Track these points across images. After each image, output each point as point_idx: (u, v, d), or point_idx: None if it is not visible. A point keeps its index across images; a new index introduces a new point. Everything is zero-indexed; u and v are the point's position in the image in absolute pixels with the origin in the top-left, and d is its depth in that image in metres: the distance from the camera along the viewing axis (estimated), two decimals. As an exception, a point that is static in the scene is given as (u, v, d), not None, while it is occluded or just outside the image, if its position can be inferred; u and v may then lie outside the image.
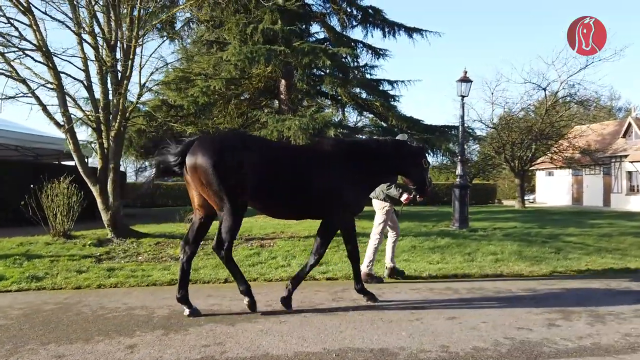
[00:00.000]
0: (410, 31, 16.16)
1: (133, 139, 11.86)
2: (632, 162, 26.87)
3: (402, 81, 16.25)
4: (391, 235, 6.23)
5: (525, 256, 7.82)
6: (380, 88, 16.40)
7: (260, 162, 4.17)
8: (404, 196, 5.69)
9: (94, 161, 11.57)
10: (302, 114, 12.14)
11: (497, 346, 3.44)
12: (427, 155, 5.44)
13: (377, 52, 16.47)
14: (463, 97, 11.52)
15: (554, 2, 75.39)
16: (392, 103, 16.40)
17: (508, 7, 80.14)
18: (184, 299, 4.28)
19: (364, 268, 5.73)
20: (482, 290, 5.35)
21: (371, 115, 16.12)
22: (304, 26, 14.89)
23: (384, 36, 16.28)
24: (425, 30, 16.11)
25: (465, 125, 15.82)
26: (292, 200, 4.43)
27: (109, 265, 6.90)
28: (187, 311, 4.26)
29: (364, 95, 16.19)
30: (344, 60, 13.98)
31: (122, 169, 31.60)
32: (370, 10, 15.92)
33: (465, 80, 11.47)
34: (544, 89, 20.23)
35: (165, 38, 9.92)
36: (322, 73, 14.45)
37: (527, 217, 15.05)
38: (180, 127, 12.82)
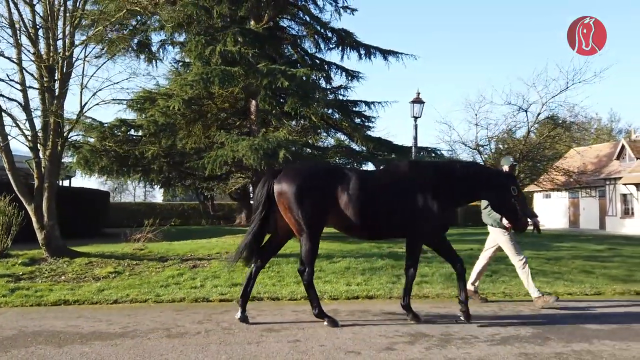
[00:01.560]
0: (385, 54, 16.25)
1: (89, 159, 11.97)
2: (625, 184, 26.35)
3: (379, 102, 16.28)
4: (484, 258, 6.22)
5: (453, 278, 7.58)
6: (356, 109, 16.49)
7: (341, 189, 4.59)
8: (505, 220, 5.45)
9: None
10: (261, 134, 12.20)
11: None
12: (514, 181, 5.23)
13: (351, 75, 16.58)
14: (416, 118, 11.47)
15: (536, 22, 75.60)
16: (364, 124, 16.45)
17: (488, 27, 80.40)
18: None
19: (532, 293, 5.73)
20: (365, 313, 5.20)
21: (338, 136, 16.14)
22: (273, 48, 15.10)
23: (360, 58, 16.38)
24: (401, 53, 16.19)
25: (435, 147, 15.78)
26: (373, 223, 4.72)
27: (20, 284, 6.88)
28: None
29: (335, 116, 16.25)
30: (313, 81, 14.12)
31: (105, 189, 31.69)
32: (342, 33, 16.11)
33: (418, 101, 11.44)
34: (525, 111, 20.12)
35: (107, 59, 10.01)
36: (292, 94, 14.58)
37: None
38: (140, 148, 13.08)
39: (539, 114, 20.31)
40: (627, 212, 27.09)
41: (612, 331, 4.43)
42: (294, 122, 16.83)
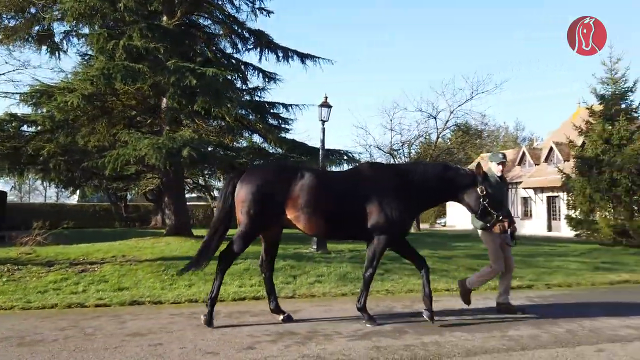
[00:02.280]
0: (302, 57, 16.38)
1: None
2: (525, 188, 28.59)
3: (297, 105, 16.39)
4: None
5: (348, 278, 7.89)
6: (274, 111, 16.50)
7: (297, 189, 4.64)
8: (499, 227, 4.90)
9: None
10: (165, 133, 11.85)
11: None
12: (488, 181, 4.93)
13: (269, 76, 16.58)
14: (324, 121, 11.71)
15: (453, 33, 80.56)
16: (280, 125, 16.51)
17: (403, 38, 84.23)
18: (276, 309, 4.97)
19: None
20: (244, 313, 5.22)
21: (254, 137, 16.09)
22: (188, 46, 14.74)
23: (278, 60, 16.38)
24: (318, 57, 16.39)
25: (347, 150, 16.15)
26: (328, 222, 4.72)
27: None
28: (280, 317, 4.87)
29: (250, 117, 16.15)
30: (226, 80, 13.92)
31: (3, 189, 29.38)
32: (259, 34, 16.07)
33: (326, 105, 11.69)
34: (435, 118, 21.29)
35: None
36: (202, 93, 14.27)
37: (402, 239, 15.37)
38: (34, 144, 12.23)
39: (447, 121, 21.54)
40: (527, 214, 29.44)
41: (465, 323, 4.78)
42: (214, 123, 16.54)
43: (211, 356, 3.65)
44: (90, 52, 15.70)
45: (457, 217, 36.35)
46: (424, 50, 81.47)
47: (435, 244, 13.94)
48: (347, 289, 6.93)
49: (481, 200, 4.81)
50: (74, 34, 15.37)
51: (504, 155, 5.76)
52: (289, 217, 4.71)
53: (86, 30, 14.73)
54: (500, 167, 5.53)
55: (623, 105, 15.23)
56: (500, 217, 4.82)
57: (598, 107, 15.66)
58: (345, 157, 15.62)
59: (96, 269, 8.39)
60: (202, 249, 4.87)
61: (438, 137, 21.84)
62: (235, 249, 4.76)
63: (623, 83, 15.26)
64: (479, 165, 4.96)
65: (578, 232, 15.97)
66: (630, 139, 14.64)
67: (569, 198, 16.60)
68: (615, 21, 69.18)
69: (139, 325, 4.66)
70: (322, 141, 11.89)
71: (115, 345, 3.92)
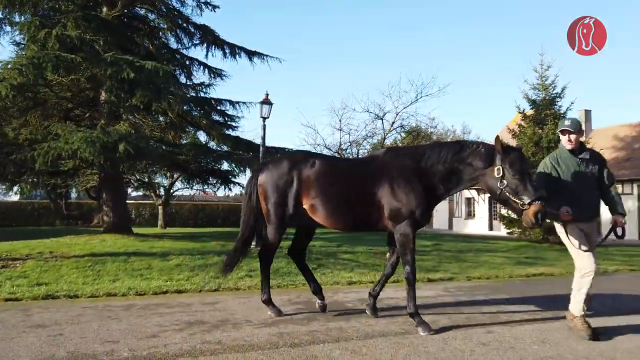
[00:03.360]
0: (250, 54, 16.36)
1: None
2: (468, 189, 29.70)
3: (244, 102, 16.35)
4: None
5: (279, 273, 7.95)
6: (220, 107, 16.36)
7: (315, 179, 4.51)
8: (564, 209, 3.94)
9: None
10: (99, 126, 11.53)
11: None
12: (510, 158, 3.99)
13: (215, 72, 16.46)
14: (264, 118, 11.75)
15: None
16: (226, 122, 16.43)
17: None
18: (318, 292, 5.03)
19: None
20: (159, 306, 5.17)
21: (195, 133, 15.92)
22: (128, 39, 14.39)
23: (225, 57, 16.32)
24: (266, 55, 16.41)
25: (292, 148, 16.25)
26: (345, 212, 4.50)
27: None
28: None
29: (194, 113, 15.94)
30: (167, 74, 13.70)
31: None
32: (205, 29, 15.90)
33: (267, 102, 11.74)
34: (381, 119, 21.80)
35: None
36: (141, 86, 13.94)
37: (343, 237, 15.59)
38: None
39: (393, 122, 22.08)
40: (470, 214, 30.58)
41: (379, 311, 4.96)
42: (161, 119, 16.21)
43: (110, 344, 3.63)
44: (23, 42, 15.07)
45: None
46: (371, 50, 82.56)
47: (374, 240, 14.23)
48: (275, 282, 6.99)
49: (498, 184, 3.99)
50: (7, 21, 14.69)
51: (572, 122, 4.18)
52: (304, 207, 4.54)
53: (22, 19, 14.14)
54: (567, 137, 4.13)
55: (553, 110, 16.13)
56: (525, 207, 3.85)
57: (530, 112, 16.52)
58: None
59: (18, 265, 8.09)
60: (233, 251, 5.03)
61: (385, 138, 22.39)
62: (270, 242, 4.74)
63: (552, 89, 16.17)
64: (497, 139, 4.04)
65: (510, 231, 16.77)
66: (558, 142, 15.50)
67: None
68: (547, 29, 73.14)
69: (45, 317, 4.55)
70: (263, 138, 11.94)
71: (12, 337, 3.81)
